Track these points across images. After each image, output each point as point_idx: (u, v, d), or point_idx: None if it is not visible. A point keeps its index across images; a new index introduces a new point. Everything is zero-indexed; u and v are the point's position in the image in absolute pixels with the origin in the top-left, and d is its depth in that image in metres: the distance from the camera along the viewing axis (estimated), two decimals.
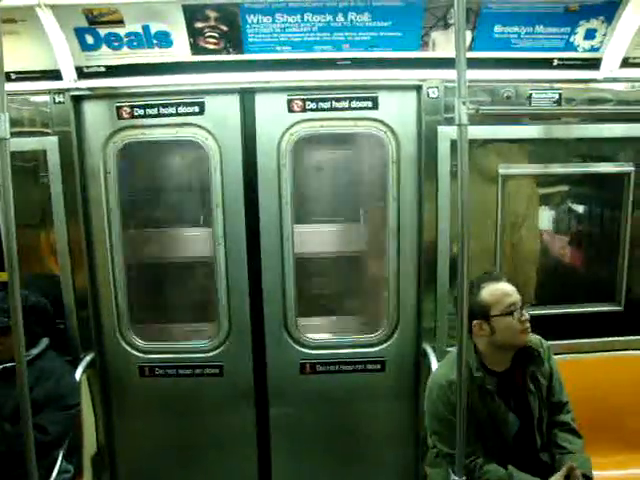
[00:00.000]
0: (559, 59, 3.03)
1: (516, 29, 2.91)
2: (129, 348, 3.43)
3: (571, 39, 2.95)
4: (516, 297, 2.51)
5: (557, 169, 3.23)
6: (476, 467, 2.50)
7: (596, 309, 3.37)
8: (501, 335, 2.50)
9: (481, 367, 2.57)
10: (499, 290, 2.52)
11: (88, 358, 3.27)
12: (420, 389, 3.33)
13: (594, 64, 3.04)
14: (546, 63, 3.04)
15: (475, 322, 2.51)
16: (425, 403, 2.72)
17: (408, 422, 3.49)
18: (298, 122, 3.22)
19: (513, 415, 2.58)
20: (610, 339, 3.35)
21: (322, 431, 3.52)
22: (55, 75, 3.00)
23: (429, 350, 3.24)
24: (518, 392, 2.61)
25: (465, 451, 2.35)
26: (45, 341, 2.99)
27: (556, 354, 2.77)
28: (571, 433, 2.66)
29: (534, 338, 2.68)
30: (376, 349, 3.43)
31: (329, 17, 2.82)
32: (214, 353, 3.42)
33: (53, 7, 2.71)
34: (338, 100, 3.18)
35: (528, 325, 2.50)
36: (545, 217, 3.41)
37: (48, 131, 3.12)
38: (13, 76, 2.92)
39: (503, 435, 2.57)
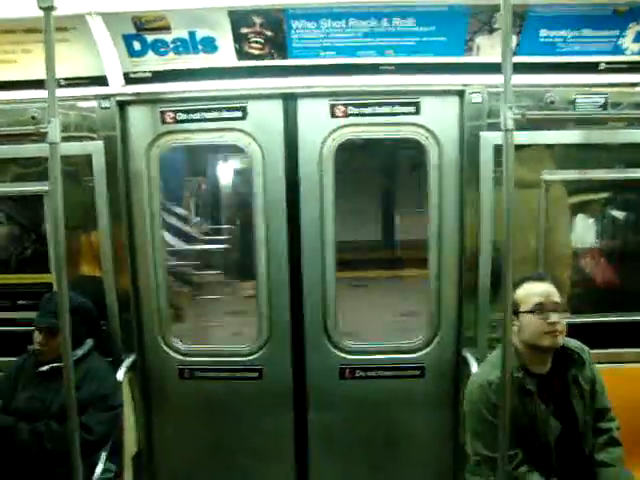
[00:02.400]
0: (606, 62, 2.98)
1: (562, 33, 2.88)
2: (169, 350, 3.47)
3: (619, 42, 2.90)
4: (547, 299, 2.51)
5: (602, 175, 3.17)
6: (518, 476, 2.47)
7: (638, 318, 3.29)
8: (526, 333, 2.52)
9: (521, 368, 2.55)
10: (531, 289, 2.55)
11: (129, 359, 3.32)
12: (460, 396, 3.30)
13: None
14: (593, 67, 3.00)
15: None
16: (465, 405, 2.70)
17: (447, 429, 3.45)
18: (340, 127, 3.22)
19: (554, 419, 2.54)
20: None
21: (360, 436, 3.50)
22: (102, 81, 3.06)
23: (469, 357, 3.20)
24: (559, 396, 2.57)
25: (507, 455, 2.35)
26: (90, 342, 3.05)
27: (596, 363, 2.72)
28: (611, 443, 2.61)
29: (573, 343, 2.66)
30: (416, 355, 3.42)
31: (373, 22, 2.83)
32: (254, 356, 3.44)
33: (103, 15, 2.78)
34: (380, 105, 3.18)
35: (556, 328, 2.47)
36: (587, 224, 3.35)
37: (94, 135, 3.18)
38: (62, 82, 2.98)
39: (544, 440, 2.53)
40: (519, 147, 2.99)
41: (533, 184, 3.15)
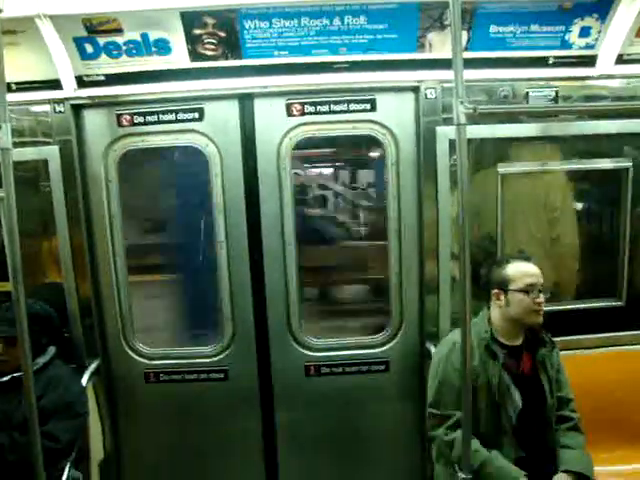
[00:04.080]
0: (555, 57, 3.05)
1: (511, 28, 2.94)
2: (134, 354, 3.45)
3: (566, 37, 2.97)
4: (537, 280, 2.66)
5: (556, 166, 3.25)
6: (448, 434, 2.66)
7: (597, 305, 3.38)
8: (514, 309, 2.66)
9: (490, 336, 2.70)
10: (523, 268, 2.70)
11: (94, 365, 3.29)
12: (424, 389, 3.35)
13: (589, 61, 3.07)
14: (542, 61, 3.07)
15: (495, 291, 2.71)
16: (430, 371, 2.85)
17: (414, 422, 3.50)
18: (297, 126, 3.24)
19: (517, 392, 2.65)
20: (611, 334, 3.36)
21: (328, 433, 3.53)
22: (55, 85, 3.02)
23: (433, 350, 3.22)
24: (527, 374, 2.70)
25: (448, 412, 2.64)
26: (52, 350, 3.01)
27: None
28: (574, 429, 2.74)
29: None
30: (380, 350, 3.45)
31: (326, 21, 2.85)
32: (219, 358, 3.44)
33: (53, 17, 2.74)
34: (336, 103, 3.20)
35: (542, 307, 2.64)
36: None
37: (49, 140, 3.14)
38: (14, 87, 2.93)
39: (503, 410, 2.64)
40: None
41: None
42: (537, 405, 2.68)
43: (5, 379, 2.83)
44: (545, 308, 3.09)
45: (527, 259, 2.75)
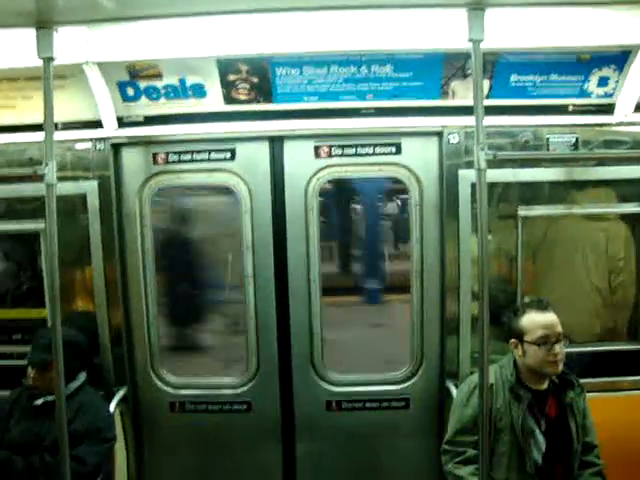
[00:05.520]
0: (574, 105, 3.15)
1: (531, 77, 3.05)
2: (160, 384, 3.52)
3: (585, 86, 3.07)
4: (553, 331, 2.62)
5: (578, 210, 3.29)
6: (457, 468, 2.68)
7: (619, 348, 3.38)
8: (529, 360, 2.65)
9: (516, 379, 2.69)
10: (537, 320, 2.66)
11: (121, 393, 3.37)
12: (444, 427, 3.37)
13: (608, 109, 3.15)
14: (562, 109, 3.16)
15: (512, 340, 2.71)
16: (451, 409, 2.90)
17: (432, 459, 3.47)
18: (324, 167, 3.36)
19: (541, 435, 2.63)
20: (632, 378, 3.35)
21: (348, 468, 3.54)
22: (97, 124, 3.20)
23: (452, 388, 3.26)
24: (552, 419, 2.67)
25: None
26: (83, 375, 3.10)
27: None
28: (599, 475, 2.70)
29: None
30: (400, 387, 3.49)
31: (353, 69, 2.99)
32: (242, 389, 3.50)
33: (99, 64, 2.94)
34: (363, 146, 3.32)
35: (558, 359, 2.60)
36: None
37: (89, 175, 3.29)
38: (59, 126, 3.11)
39: (527, 454, 2.61)
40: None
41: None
42: (563, 449, 2.65)
43: (39, 402, 2.93)
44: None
45: (544, 308, 2.70)
